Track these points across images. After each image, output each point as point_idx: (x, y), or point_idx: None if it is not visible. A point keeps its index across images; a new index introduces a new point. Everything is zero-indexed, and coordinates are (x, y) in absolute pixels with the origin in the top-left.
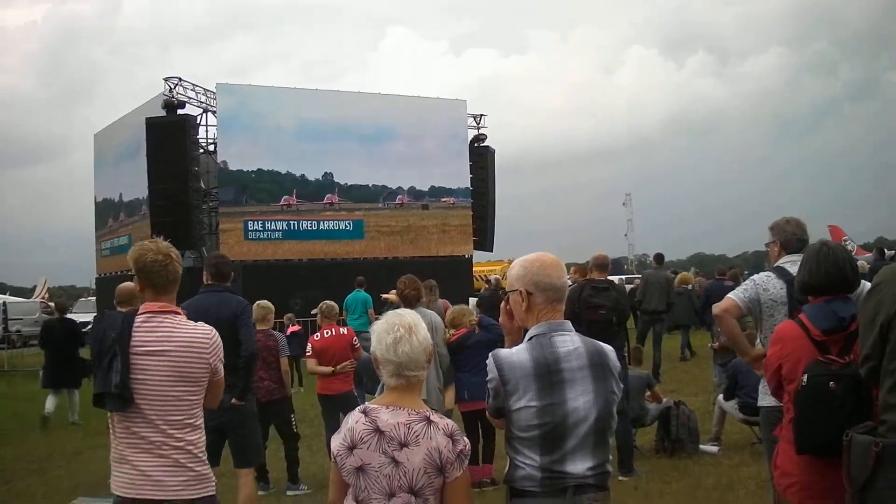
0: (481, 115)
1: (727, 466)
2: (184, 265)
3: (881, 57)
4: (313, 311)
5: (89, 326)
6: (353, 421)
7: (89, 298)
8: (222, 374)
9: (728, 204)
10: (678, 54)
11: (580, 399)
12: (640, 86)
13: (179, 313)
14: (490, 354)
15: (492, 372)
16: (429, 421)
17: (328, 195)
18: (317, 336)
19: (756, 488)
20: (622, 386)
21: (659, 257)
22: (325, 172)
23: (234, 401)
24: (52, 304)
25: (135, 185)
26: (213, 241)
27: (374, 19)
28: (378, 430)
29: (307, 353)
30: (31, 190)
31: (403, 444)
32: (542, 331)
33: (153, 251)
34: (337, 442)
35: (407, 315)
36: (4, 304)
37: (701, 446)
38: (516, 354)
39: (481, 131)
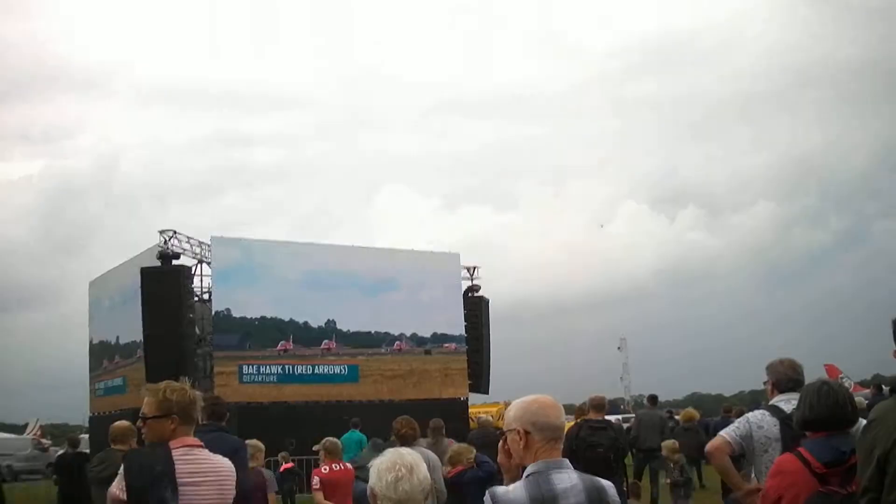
0: (475, 266)
1: None
2: None
3: (869, 207)
4: (315, 448)
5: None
6: None
7: (82, 436)
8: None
9: (723, 346)
10: (669, 208)
11: None
12: (633, 238)
13: (203, 446)
14: (487, 492)
15: None
16: None
17: (326, 341)
18: (325, 469)
19: None
20: None
21: (652, 398)
22: (329, 320)
23: None
24: (43, 440)
25: (130, 329)
26: (207, 384)
27: (369, 175)
28: None
29: (314, 486)
30: (25, 333)
31: None
32: (538, 468)
33: (188, 392)
34: None
35: (408, 455)
36: None
37: None
38: (513, 492)
39: (475, 282)
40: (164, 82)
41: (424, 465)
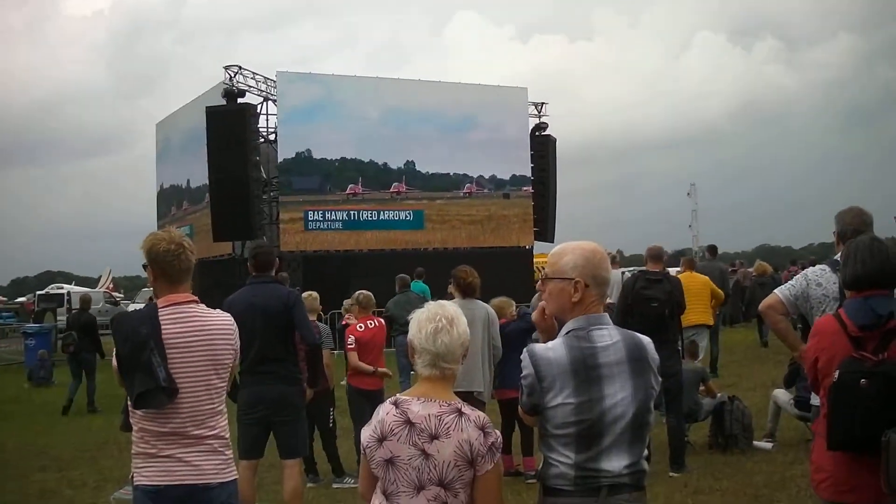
0: (542, 103)
1: (780, 464)
2: (245, 256)
3: None
4: (347, 302)
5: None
6: (384, 412)
7: (149, 288)
8: (238, 360)
9: (795, 195)
10: (746, 40)
11: (618, 395)
12: (707, 73)
13: (199, 302)
14: (525, 350)
15: (527, 368)
16: (460, 413)
17: (395, 184)
18: (359, 327)
19: (808, 486)
20: (660, 380)
21: (712, 248)
22: (407, 161)
23: (307, 390)
24: (115, 294)
25: (198, 172)
26: (273, 232)
27: (441, 3)
28: (409, 422)
29: (349, 346)
30: (97, 180)
31: (434, 437)
32: (580, 325)
33: (166, 240)
34: (367, 434)
35: (449, 306)
36: (69, 293)
37: (755, 443)
38: (553, 350)
39: (543, 120)
40: None
41: (465, 319)
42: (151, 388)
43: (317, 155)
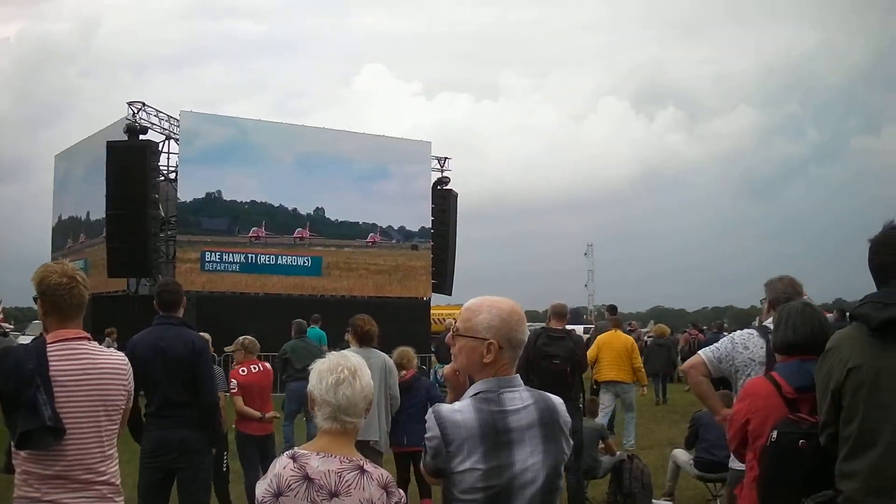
0: (445, 157)
1: None
2: (139, 293)
3: (849, 122)
4: (227, 348)
5: None
6: (281, 466)
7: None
8: (132, 403)
9: (690, 259)
10: (649, 108)
11: (529, 461)
12: (609, 137)
13: (91, 339)
14: (430, 410)
15: (432, 430)
16: (362, 470)
17: (299, 229)
18: (242, 371)
19: None
20: (571, 442)
21: (612, 308)
22: (298, 206)
23: (213, 450)
24: (5, 325)
25: (95, 206)
26: (169, 270)
27: (350, 56)
28: (307, 478)
29: (231, 390)
30: None
31: (333, 494)
32: (490, 387)
33: (58, 273)
34: (262, 488)
35: (353, 358)
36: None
37: (654, 501)
38: (461, 412)
39: (445, 174)
40: None
41: (369, 370)
42: (36, 427)
43: (227, 196)
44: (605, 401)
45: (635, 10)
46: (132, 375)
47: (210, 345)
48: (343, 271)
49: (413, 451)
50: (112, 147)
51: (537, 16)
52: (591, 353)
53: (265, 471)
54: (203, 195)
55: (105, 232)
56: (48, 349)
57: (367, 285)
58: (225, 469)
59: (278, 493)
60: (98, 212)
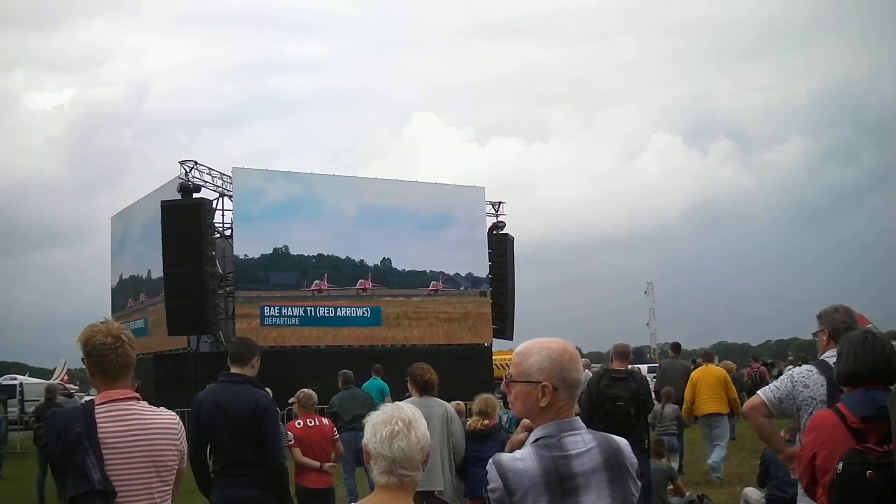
0: (500, 202)
1: None
2: (200, 350)
3: None
4: (290, 400)
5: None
6: None
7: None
8: (185, 464)
9: (750, 292)
10: (701, 141)
11: None
12: (662, 173)
13: (140, 399)
14: (491, 460)
15: (494, 481)
16: None
17: (361, 280)
18: (298, 424)
19: None
20: (639, 484)
21: (675, 346)
22: (365, 257)
23: None
24: (69, 386)
25: (154, 265)
26: (228, 327)
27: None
28: None
29: (290, 443)
30: (53, 272)
31: None
32: (549, 432)
33: (103, 333)
34: None
35: (406, 409)
36: (21, 384)
37: None
38: (522, 460)
39: (500, 219)
40: (196, 6)
41: (424, 421)
42: (85, 491)
43: (294, 251)
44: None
45: (679, 45)
46: (184, 434)
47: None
48: (404, 321)
49: None
50: (166, 206)
51: (583, 55)
52: (687, 391)
53: None
54: (270, 250)
55: (163, 291)
56: (96, 411)
57: (428, 334)
58: None
59: None
60: (158, 270)
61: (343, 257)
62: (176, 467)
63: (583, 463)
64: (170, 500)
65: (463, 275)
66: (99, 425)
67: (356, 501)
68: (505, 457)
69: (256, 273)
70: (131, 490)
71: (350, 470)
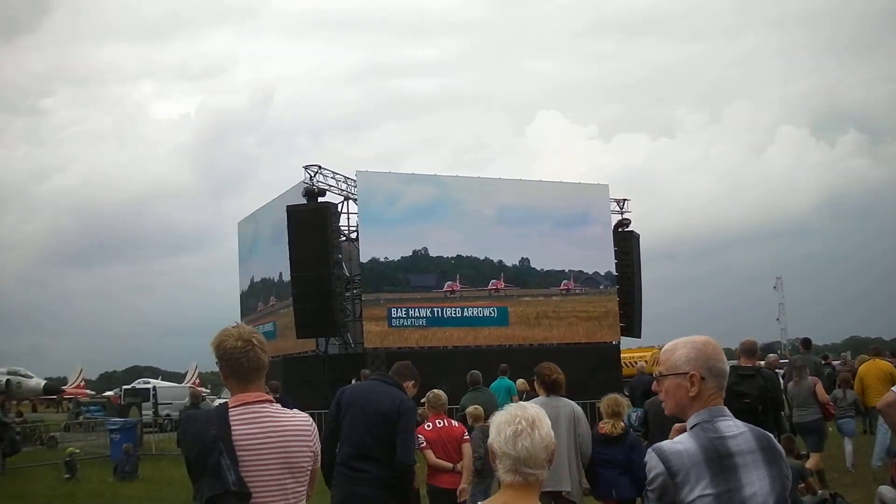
0: (624, 199)
1: None
2: (328, 352)
3: None
4: (422, 401)
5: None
6: None
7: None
8: (319, 464)
9: (882, 286)
10: (829, 134)
11: (756, 484)
12: (790, 166)
13: (273, 402)
14: (650, 450)
15: (655, 468)
16: None
17: (493, 281)
18: (428, 426)
19: None
20: (790, 472)
21: (806, 342)
22: (504, 258)
23: None
24: (202, 388)
25: (285, 269)
26: (356, 329)
27: (523, 104)
28: None
29: (422, 445)
30: (183, 277)
31: None
32: (703, 418)
33: (234, 337)
34: None
35: (530, 408)
36: (155, 388)
37: None
38: (681, 443)
39: (625, 216)
40: (319, 12)
41: (549, 420)
42: (221, 492)
43: (433, 253)
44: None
45: (805, 36)
46: (317, 436)
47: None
48: (532, 320)
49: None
50: (292, 211)
51: (706, 49)
52: (855, 384)
53: None
54: (410, 252)
55: (291, 294)
56: (230, 413)
57: (556, 333)
58: None
59: None
60: (288, 273)
61: (482, 258)
62: (310, 468)
63: (738, 444)
64: (304, 501)
65: (590, 273)
66: (233, 428)
67: (483, 501)
68: (664, 443)
69: (396, 275)
70: (266, 491)
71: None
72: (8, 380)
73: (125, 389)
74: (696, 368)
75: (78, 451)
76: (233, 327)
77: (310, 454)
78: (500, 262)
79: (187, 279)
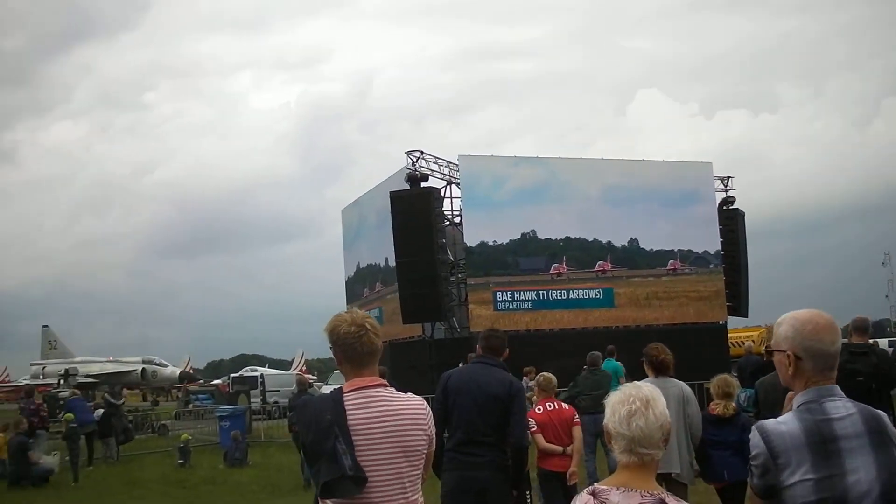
0: (728, 177)
1: None
2: (434, 336)
3: None
4: (530, 384)
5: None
6: (581, 502)
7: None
8: (434, 447)
9: None
10: None
11: (861, 471)
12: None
13: (387, 386)
14: (754, 427)
15: (757, 446)
16: None
17: (600, 262)
18: (538, 409)
19: None
20: None
21: None
22: (612, 239)
23: (514, 493)
24: (308, 375)
25: (389, 255)
26: (462, 313)
27: (623, 83)
28: None
29: (532, 429)
30: (287, 266)
31: None
32: (810, 397)
33: (347, 322)
34: None
35: (645, 388)
36: (262, 376)
37: None
38: (784, 423)
39: (729, 194)
40: None
41: (663, 399)
42: (337, 476)
43: (542, 235)
44: None
45: None
46: (432, 419)
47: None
48: (638, 301)
49: (734, 485)
50: (395, 197)
51: (807, 21)
52: None
53: None
54: (518, 235)
55: (396, 279)
56: (345, 398)
57: (662, 313)
58: None
59: None
60: (393, 259)
61: (591, 239)
62: (425, 451)
63: (845, 427)
64: (419, 485)
65: (697, 253)
66: (348, 412)
67: (595, 483)
68: (768, 422)
69: (504, 258)
70: (381, 475)
71: (590, 452)
72: (143, 369)
73: (233, 377)
74: (791, 348)
75: (191, 437)
76: (346, 312)
77: (424, 437)
78: (609, 242)
79: (292, 267)
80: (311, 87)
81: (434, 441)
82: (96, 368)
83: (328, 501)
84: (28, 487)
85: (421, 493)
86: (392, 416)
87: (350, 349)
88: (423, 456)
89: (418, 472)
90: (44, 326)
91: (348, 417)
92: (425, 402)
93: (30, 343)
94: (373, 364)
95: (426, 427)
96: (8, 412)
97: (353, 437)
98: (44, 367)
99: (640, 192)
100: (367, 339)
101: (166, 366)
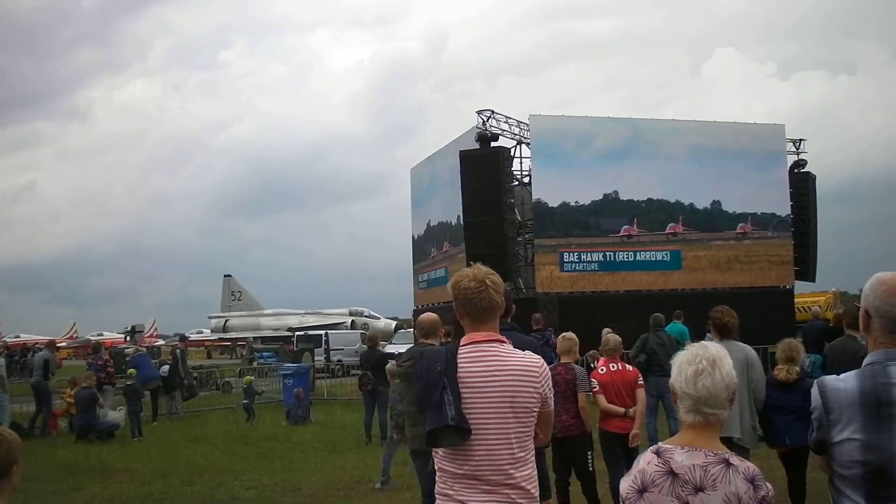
0: (800, 139)
1: None
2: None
3: None
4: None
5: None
6: (645, 462)
7: (408, 330)
8: (552, 407)
9: None
10: None
11: None
12: None
13: (504, 342)
14: (815, 382)
15: (815, 401)
16: (728, 463)
17: (671, 224)
18: (602, 370)
19: None
20: None
21: None
22: (695, 201)
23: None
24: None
25: (458, 214)
26: (528, 273)
27: (700, 43)
28: (671, 473)
29: (594, 390)
30: (357, 225)
31: (699, 489)
32: (877, 359)
33: (468, 277)
34: (626, 484)
35: (712, 347)
36: (327, 334)
37: None
38: (843, 381)
39: (801, 157)
40: None
41: (730, 360)
42: (441, 426)
43: (623, 196)
44: None
45: None
46: (548, 379)
47: (576, 344)
48: (704, 264)
49: (796, 450)
50: (465, 156)
51: None
52: None
53: (629, 468)
54: (600, 196)
55: (464, 239)
56: (459, 352)
57: (729, 277)
58: (591, 469)
59: (643, 489)
60: (457, 221)
61: (672, 201)
62: (536, 410)
63: None
64: (529, 443)
65: (766, 216)
66: (459, 365)
67: (658, 443)
68: (829, 378)
69: (578, 219)
70: (487, 428)
71: (651, 414)
72: (353, 321)
73: (297, 335)
74: (866, 305)
75: (253, 378)
76: (469, 268)
77: (535, 395)
78: (691, 205)
79: (360, 226)
80: (386, 46)
81: (550, 402)
82: (294, 321)
83: (439, 451)
84: (95, 441)
85: (533, 452)
86: (502, 371)
87: (469, 304)
88: (534, 414)
89: (528, 429)
90: (226, 276)
91: (459, 370)
92: (542, 361)
93: (103, 298)
94: (492, 320)
95: (538, 385)
96: (76, 368)
97: (462, 390)
98: (226, 321)
99: (717, 154)
100: (487, 294)
101: (378, 318)
